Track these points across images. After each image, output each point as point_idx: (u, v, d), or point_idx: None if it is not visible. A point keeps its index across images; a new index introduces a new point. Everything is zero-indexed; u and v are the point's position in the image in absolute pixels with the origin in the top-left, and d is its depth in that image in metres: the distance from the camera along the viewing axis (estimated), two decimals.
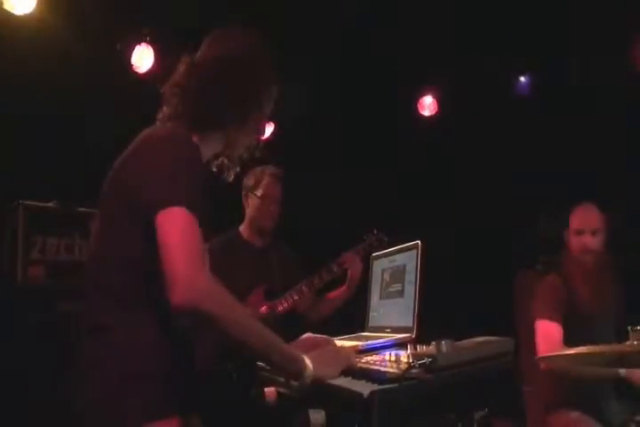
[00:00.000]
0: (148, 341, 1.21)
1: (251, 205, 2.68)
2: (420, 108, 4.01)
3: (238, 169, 1.46)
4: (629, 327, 1.53)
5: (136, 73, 3.31)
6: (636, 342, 1.45)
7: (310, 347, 1.31)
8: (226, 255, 2.55)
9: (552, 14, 3.34)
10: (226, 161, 1.44)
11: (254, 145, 1.46)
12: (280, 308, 2.52)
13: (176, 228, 1.14)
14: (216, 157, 1.44)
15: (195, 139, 1.32)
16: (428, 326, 1.63)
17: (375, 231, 2.69)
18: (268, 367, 1.37)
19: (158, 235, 1.14)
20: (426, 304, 1.67)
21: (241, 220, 2.75)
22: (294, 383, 1.20)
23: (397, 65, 3.64)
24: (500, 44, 3.54)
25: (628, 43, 3.30)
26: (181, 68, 1.39)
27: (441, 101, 4.00)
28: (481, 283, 3.75)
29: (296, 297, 2.53)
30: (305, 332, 1.43)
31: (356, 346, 1.57)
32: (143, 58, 3.34)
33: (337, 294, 2.67)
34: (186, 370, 1.26)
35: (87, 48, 3.10)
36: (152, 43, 3.34)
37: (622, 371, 2.08)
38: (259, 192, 2.64)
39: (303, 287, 2.54)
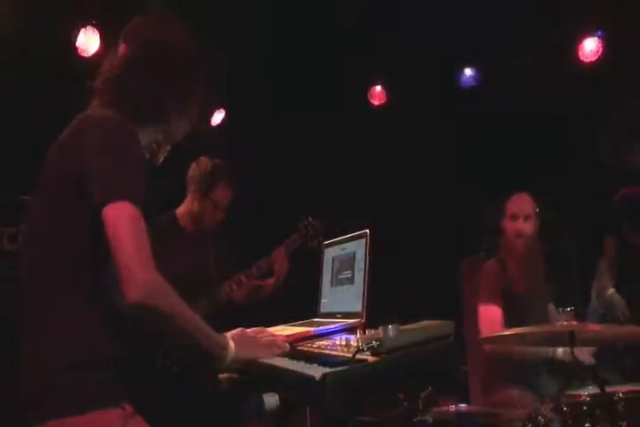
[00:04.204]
0: (94, 329, 1.22)
1: (198, 204, 2.63)
2: (370, 98, 4.07)
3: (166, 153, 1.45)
4: (560, 309, 1.65)
5: (82, 57, 3.22)
6: (565, 323, 1.57)
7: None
8: (161, 240, 2.52)
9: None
10: (154, 146, 1.41)
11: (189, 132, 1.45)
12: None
13: (124, 224, 1.16)
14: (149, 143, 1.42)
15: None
16: (378, 311, 1.70)
17: (309, 219, 2.75)
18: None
19: (107, 231, 1.16)
20: (376, 290, 1.74)
21: (178, 203, 2.69)
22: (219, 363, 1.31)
23: (348, 55, 3.68)
24: (448, 36, 3.63)
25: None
26: (112, 60, 1.36)
27: (389, 91, 4.07)
28: (429, 270, 3.89)
29: (235, 287, 2.61)
30: (241, 319, 1.49)
31: (297, 333, 1.62)
32: (88, 42, 3.26)
33: (267, 284, 2.73)
34: (134, 358, 1.28)
35: (30, 30, 2.99)
36: (98, 26, 3.25)
37: (559, 350, 2.23)
38: (212, 196, 2.60)
39: (242, 278, 2.62)
